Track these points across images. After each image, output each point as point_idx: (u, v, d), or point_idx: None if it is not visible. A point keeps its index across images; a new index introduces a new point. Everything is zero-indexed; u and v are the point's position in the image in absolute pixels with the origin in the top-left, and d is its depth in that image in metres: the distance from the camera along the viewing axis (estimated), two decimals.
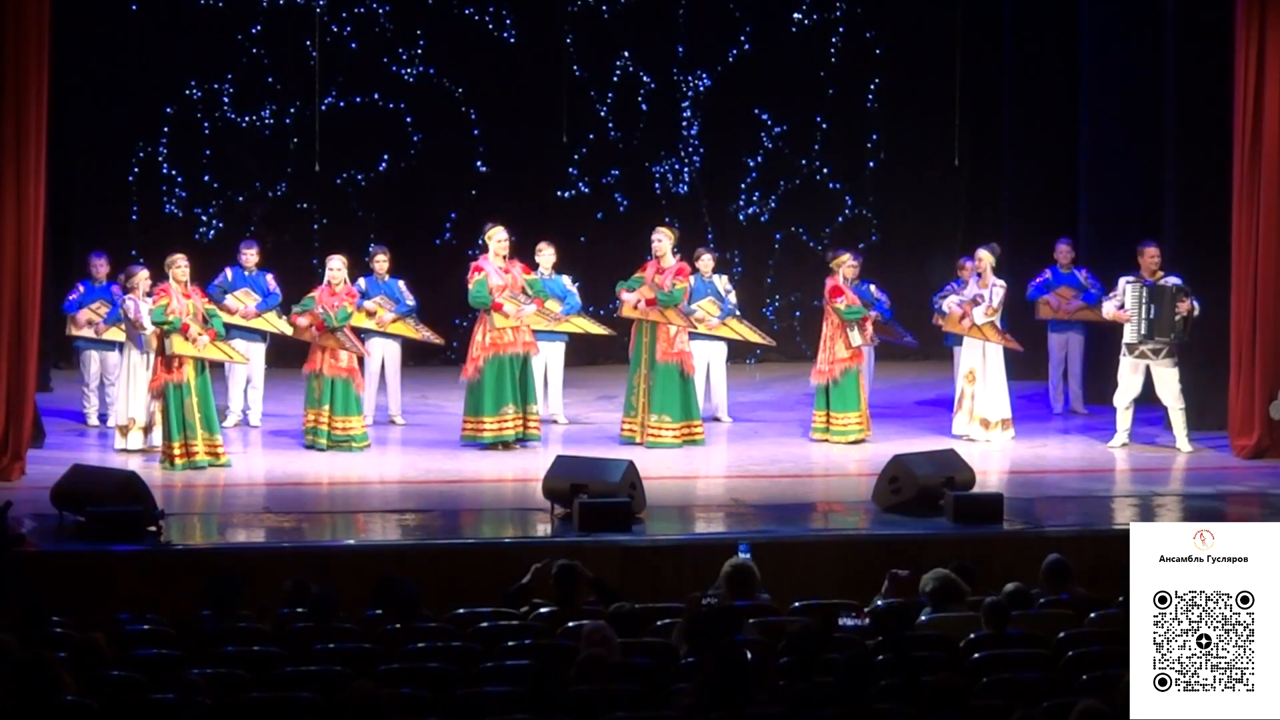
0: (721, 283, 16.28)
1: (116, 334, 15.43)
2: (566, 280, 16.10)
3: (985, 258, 15.81)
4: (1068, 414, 16.99)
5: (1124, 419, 15.36)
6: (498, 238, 15.12)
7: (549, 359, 16.18)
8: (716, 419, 16.43)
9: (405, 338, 16.19)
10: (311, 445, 14.99)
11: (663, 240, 15.44)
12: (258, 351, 16.05)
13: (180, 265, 14.42)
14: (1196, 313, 14.99)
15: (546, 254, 16.02)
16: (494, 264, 15.07)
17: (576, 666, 8.46)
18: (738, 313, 16.37)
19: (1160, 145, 16.29)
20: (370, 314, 15.92)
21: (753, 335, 16.57)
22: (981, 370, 15.69)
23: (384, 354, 16.11)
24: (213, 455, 14.30)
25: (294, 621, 9.74)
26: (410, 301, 16.12)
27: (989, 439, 15.57)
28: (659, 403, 15.27)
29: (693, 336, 15.73)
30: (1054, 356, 17.03)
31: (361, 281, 15.80)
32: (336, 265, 15.17)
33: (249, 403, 16.18)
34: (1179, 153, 15.96)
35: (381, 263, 16.08)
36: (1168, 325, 15.03)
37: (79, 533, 12.03)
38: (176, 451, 14.16)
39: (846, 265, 15.71)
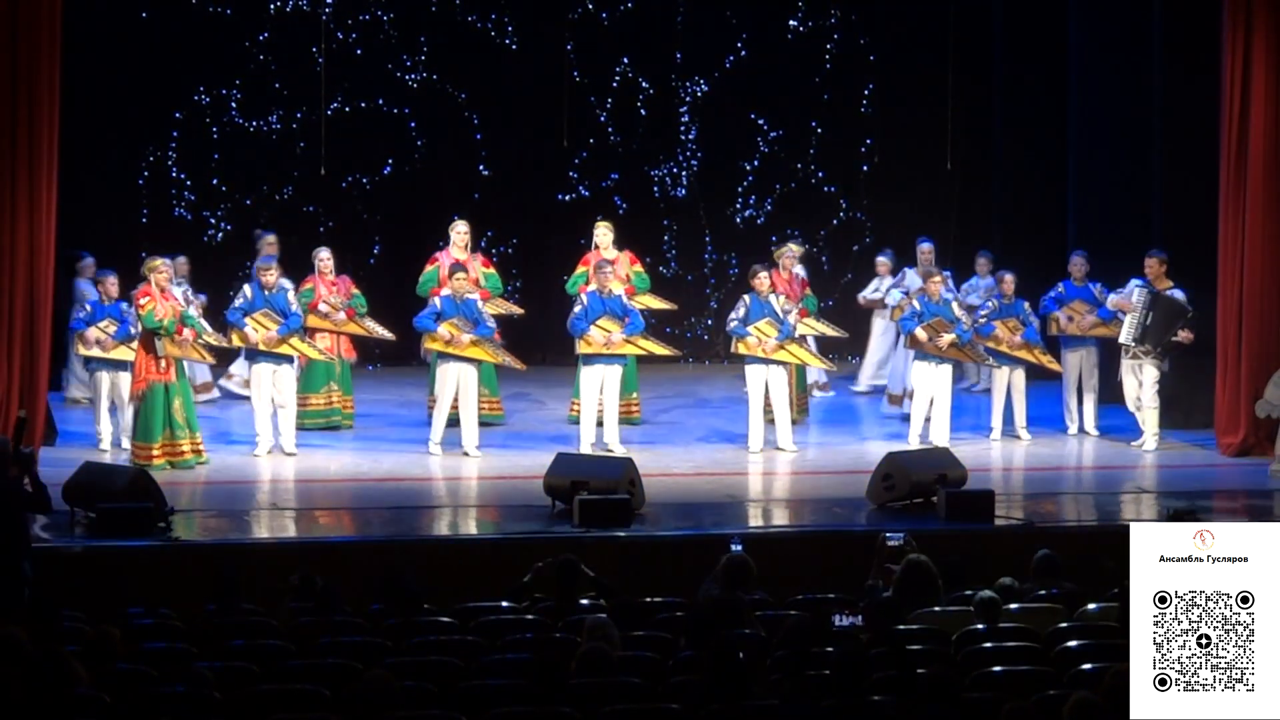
0: (779, 303, 15.40)
1: (125, 353, 14.91)
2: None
3: (927, 251, 16.96)
4: (1081, 435, 16.03)
5: (1141, 420, 15.44)
6: (458, 229, 16.10)
7: (606, 380, 15.19)
8: (779, 448, 15.34)
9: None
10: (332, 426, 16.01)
11: (606, 233, 16.32)
12: (288, 375, 15.18)
13: (163, 270, 14.68)
14: (1188, 342, 15.21)
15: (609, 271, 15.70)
16: (453, 256, 15.91)
17: (577, 659, 8.62)
18: (796, 335, 15.51)
19: (1149, 151, 16.45)
20: (447, 340, 15.00)
21: (814, 360, 15.81)
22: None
23: (460, 378, 15.13)
24: (196, 453, 14.47)
25: (300, 616, 9.93)
26: (490, 324, 15.21)
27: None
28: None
29: (750, 360, 15.31)
30: (1069, 374, 15.99)
31: (436, 301, 15.13)
32: (325, 255, 16.14)
33: (280, 430, 15.12)
34: (1167, 158, 16.15)
35: (461, 281, 15.18)
36: (1156, 339, 15.21)
37: (90, 528, 12.22)
38: (156, 452, 14.21)
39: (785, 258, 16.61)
